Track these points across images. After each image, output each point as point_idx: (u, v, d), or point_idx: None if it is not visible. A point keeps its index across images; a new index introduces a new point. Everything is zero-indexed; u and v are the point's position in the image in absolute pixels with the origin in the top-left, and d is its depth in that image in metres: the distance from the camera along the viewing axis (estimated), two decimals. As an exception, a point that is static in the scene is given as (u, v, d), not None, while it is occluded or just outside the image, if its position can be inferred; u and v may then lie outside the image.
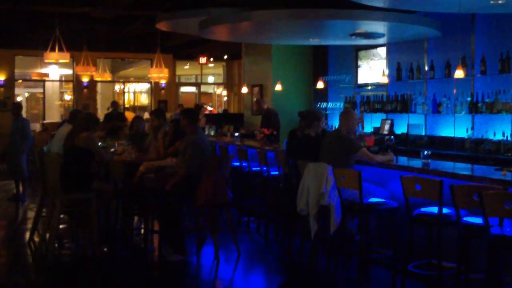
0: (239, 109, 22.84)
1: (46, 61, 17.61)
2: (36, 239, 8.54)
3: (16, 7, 15.43)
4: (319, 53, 15.36)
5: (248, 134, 13.42)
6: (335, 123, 14.15)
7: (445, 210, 5.52)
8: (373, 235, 6.90)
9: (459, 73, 9.41)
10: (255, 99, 15.53)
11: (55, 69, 23.74)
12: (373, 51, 13.58)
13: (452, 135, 11.11)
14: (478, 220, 5.16)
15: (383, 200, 6.59)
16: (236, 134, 12.11)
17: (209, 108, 24.06)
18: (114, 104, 16.84)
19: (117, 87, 26.81)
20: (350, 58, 14.35)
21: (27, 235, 8.77)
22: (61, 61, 17.08)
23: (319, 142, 7.35)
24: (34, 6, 15.22)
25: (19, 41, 19.86)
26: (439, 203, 5.46)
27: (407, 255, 5.92)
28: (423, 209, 5.81)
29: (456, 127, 11.01)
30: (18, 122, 12.23)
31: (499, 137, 9.97)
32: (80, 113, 10.09)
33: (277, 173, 8.78)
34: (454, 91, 10.94)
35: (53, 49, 16.08)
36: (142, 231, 8.64)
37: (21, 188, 12.25)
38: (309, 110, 8.06)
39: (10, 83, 21.42)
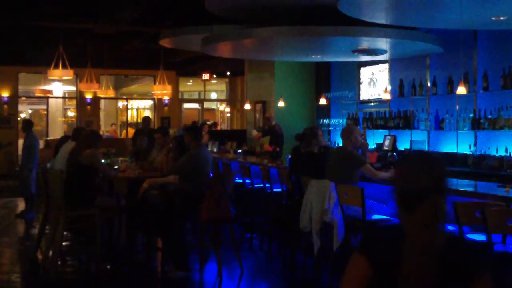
0: (242, 125, 22.86)
1: (50, 78, 17.69)
2: (39, 256, 8.55)
3: (20, 24, 15.53)
4: (322, 70, 15.40)
5: (251, 151, 13.45)
6: (338, 139, 14.16)
7: (448, 227, 5.52)
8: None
9: (461, 89, 9.43)
10: (261, 115, 15.54)
11: (58, 86, 23.81)
12: (376, 67, 13.61)
13: (454, 151, 11.12)
14: (481, 237, 5.16)
15: (386, 217, 6.59)
16: (239, 150, 12.13)
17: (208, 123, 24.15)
18: (147, 120, 15.29)
19: (120, 103, 26.86)
20: (353, 74, 14.38)
21: (31, 252, 8.77)
22: (64, 78, 17.17)
23: (322, 158, 7.36)
24: (38, 23, 15.31)
25: (23, 58, 19.93)
26: (442, 220, 5.45)
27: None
28: (426, 226, 5.80)
29: (459, 143, 11.02)
30: (27, 140, 12.27)
31: (501, 153, 9.98)
32: (84, 130, 10.13)
33: (280, 189, 8.79)
34: (457, 107, 10.96)
35: (56, 66, 16.14)
36: (145, 247, 8.64)
37: (25, 205, 12.26)
38: (304, 130, 8.06)
39: (13, 100, 21.48)
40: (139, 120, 26.97)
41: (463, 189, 6.14)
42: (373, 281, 2.41)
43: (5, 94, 21.23)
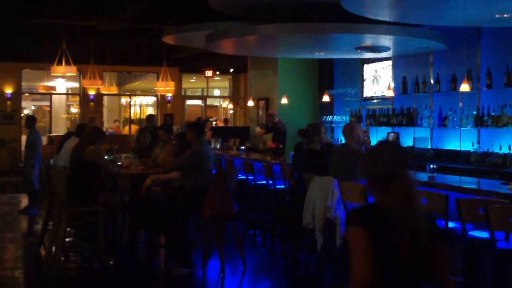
0: (245, 122, 22.87)
1: (53, 74, 17.68)
2: (42, 252, 8.56)
3: (23, 21, 15.53)
4: (325, 67, 15.39)
5: (254, 148, 13.45)
6: (341, 136, 14.15)
7: (451, 224, 5.53)
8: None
9: (464, 87, 9.42)
10: (264, 112, 15.55)
11: (61, 82, 23.82)
12: (379, 64, 13.60)
13: (458, 148, 11.11)
14: (484, 234, 5.16)
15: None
16: (242, 147, 12.12)
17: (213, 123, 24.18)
18: (151, 118, 14.19)
19: (123, 100, 26.87)
20: (356, 71, 14.38)
21: (34, 248, 8.79)
22: (68, 74, 17.15)
23: (325, 155, 7.36)
24: (41, 19, 15.30)
25: (26, 54, 19.93)
26: (445, 217, 5.46)
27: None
28: (429, 223, 5.81)
29: (462, 141, 11.01)
30: (29, 136, 12.30)
31: (505, 150, 9.97)
32: (87, 126, 10.14)
33: (283, 186, 8.80)
34: (460, 104, 10.95)
35: (60, 63, 16.14)
36: (148, 244, 8.65)
37: (28, 201, 12.29)
38: (307, 127, 8.05)
39: (17, 96, 21.50)
40: (142, 117, 26.97)
41: (466, 186, 6.15)
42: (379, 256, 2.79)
43: (9, 90, 21.26)
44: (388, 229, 2.79)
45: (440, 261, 2.93)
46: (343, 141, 7.59)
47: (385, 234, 2.79)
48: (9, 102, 21.24)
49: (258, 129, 14.55)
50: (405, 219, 2.80)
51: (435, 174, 6.79)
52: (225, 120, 23.17)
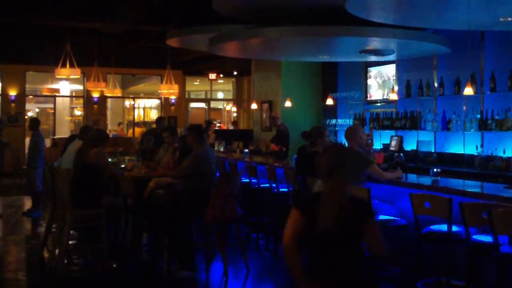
0: (248, 125, 22.86)
1: (57, 76, 17.71)
2: (45, 254, 8.57)
3: (27, 23, 15.57)
4: (329, 70, 15.38)
5: (257, 151, 13.44)
6: (344, 139, 14.14)
7: (454, 228, 5.52)
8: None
9: (468, 90, 9.40)
10: (269, 114, 15.53)
11: (65, 84, 23.86)
12: (383, 67, 13.59)
13: (461, 152, 11.09)
14: (487, 238, 5.15)
15: (392, 217, 6.58)
16: (246, 150, 12.12)
17: (218, 124, 24.16)
18: (161, 120, 13.90)
19: (127, 102, 26.89)
20: (360, 74, 14.37)
21: (37, 250, 8.79)
22: (72, 77, 17.18)
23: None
24: (45, 22, 15.34)
25: (30, 57, 19.98)
26: (448, 221, 5.46)
27: (416, 272, 5.91)
28: (432, 227, 5.80)
29: (466, 144, 11.00)
30: (32, 138, 12.34)
31: (508, 154, 9.95)
32: (91, 128, 10.15)
33: (286, 189, 8.79)
34: (464, 108, 10.94)
35: (64, 65, 16.16)
36: (151, 247, 8.65)
37: (31, 203, 12.31)
38: (311, 129, 8.04)
39: (21, 98, 21.54)
40: (146, 119, 27.00)
41: (469, 190, 6.13)
42: (304, 225, 3.77)
43: (13, 93, 21.30)
44: (316, 209, 3.73)
45: (371, 235, 3.76)
46: (346, 145, 7.58)
47: (314, 212, 3.73)
48: (13, 105, 21.29)
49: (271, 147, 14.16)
50: (330, 202, 3.73)
51: (439, 177, 6.78)
52: (234, 123, 23.14)
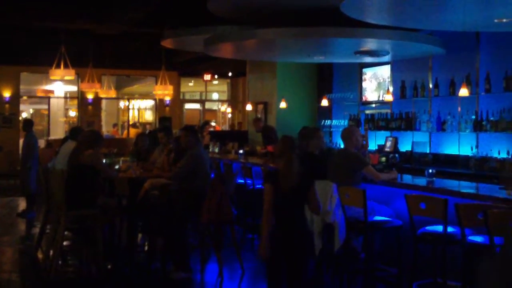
0: (243, 126, 22.85)
1: (52, 78, 17.67)
2: (40, 255, 8.54)
3: (22, 24, 15.54)
4: (324, 71, 15.39)
5: (252, 151, 13.41)
6: (339, 140, 14.15)
7: (450, 229, 5.52)
8: (378, 253, 6.89)
9: (463, 91, 9.41)
10: (262, 116, 15.55)
11: (60, 85, 23.80)
12: (378, 68, 13.60)
13: (456, 153, 11.10)
14: (483, 239, 5.15)
15: (387, 218, 6.58)
16: (241, 151, 12.10)
17: (213, 124, 24.11)
18: (167, 121, 13.60)
19: (122, 103, 26.84)
20: (355, 75, 14.37)
21: (31, 251, 8.77)
22: (66, 78, 17.15)
23: (323, 160, 7.35)
24: (40, 23, 15.32)
25: (25, 58, 19.93)
26: (443, 222, 5.45)
27: (412, 273, 5.91)
28: (428, 228, 5.80)
29: (461, 145, 11.01)
30: (26, 138, 12.34)
31: (503, 155, 9.96)
32: (81, 129, 10.15)
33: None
34: (459, 109, 10.95)
35: (58, 66, 16.13)
36: (146, 248, 8.63)
37: (26, 204, 12.29)
38: (303, 129, 8.00)
39: (15, 99, 21.49)
40: (141, 120, 26.95)
41: (465, 191, 6.13)
42: (273, 191, 5.14)
43: (7, 94, 21.24)
44: (278, 180, 5.16)
45: (311, 196, 5.24)
46: (342, 146, 7.57)
47: (277, 183, 5.15)
48: (7, 106, 21.23)
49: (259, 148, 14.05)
50: (284, 175, 5.18)
51: (434, 178, 6.78)
52: (239, 124, 23.14)
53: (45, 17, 14.76)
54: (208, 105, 27.75)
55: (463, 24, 8.51)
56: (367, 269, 6.50)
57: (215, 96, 28.67)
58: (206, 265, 7.92)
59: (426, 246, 5.87)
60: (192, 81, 26.57)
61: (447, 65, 11.54)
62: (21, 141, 16.87)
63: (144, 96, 27.29)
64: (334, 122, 14.80)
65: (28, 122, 12.77)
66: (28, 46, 18.79)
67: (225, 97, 27.46)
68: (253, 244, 9.39)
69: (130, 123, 24.96)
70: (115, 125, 24.76)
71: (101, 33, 15.72)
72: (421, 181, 6.84)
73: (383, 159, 8.95)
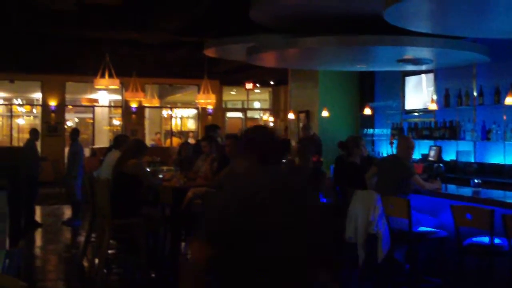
0: (285, 135, 22.83)
1: (96, 87, 17.90)
2: (85, 263, 8.65)
3: (67, 34, 15.78)
4: (366, 79, 15.31)
5: (294, 161, 13.37)
6: (381, 149, 14.06)
7: (496, 240, 5.44)
8: (422, 264, 6.82)
9: (509, 100, 9.28)
10: (304, 124, 15.52)
11: (104, 94, 24.12)
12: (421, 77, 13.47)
13: (502, 162, 10.94)
14: (531, 250, 5.07)
15: (432, 229, 6.51)
16: (283, 160, 12.06)
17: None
18: (215, 128, 11.73)
19: (165, 112, 27.10)
20: (397, 84, 14.26)
21: (77, 259, 8.88)
22: (110, 87, 17.35)
23: (365, 169, 7.32)
24: (84, 33, 15.54)
25: (70, 67, 20.23)
26: (490, 233, 5.38)
27: (457, 285, 5.84)
28: (474, 239, 5.73)
29: (507, 155, 10.84)
30: (72, 147, 12.54)
31: (551, 164, 9.79)
32: (126, 137, 10.25)
33: (324, 200, 8.74)
34: (504, 117, 10.79)
35: (103, 75, 16.33)
36: (190, 256, 8.67)
37: (71, 212, 12.46)
38: (347, 139, 8.03)
39: (60, 108, 21.86)
40: (184, 129, 27.15)
41: (511, 201, 6.04)
42: None
43: (53, 103, 21.62)
44: None
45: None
46: (384, 154, 7.54)
47: None
48: (53, 115, 21.60)
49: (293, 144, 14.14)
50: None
51: (480, 189, 6.70)
52: (286, 129, 23.16)
53: (89, 27, 14.97)
54: (250, 114, 27.84)
55: (508, 31, 8.41)
56: (411, 280, 6.44)
57: (256, 105, 28.74)
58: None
59: (471, 257, 5.80)
60: (234, 90, 26.67)
61: (491, 73, 11.38)
62: (66, 149, 17.15)
63: (186, 104, 27.49)
64: (377, 131, 14.70)
65: (75, 131, 12.99)
66: (73, 56, 19.05)
67: (267, 105, 27.51)
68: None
69: (175, 133, 25.15)
70: (157, 133, 24.97)
71: (144, 42, 15.86)
72: (467, 191, 6.76)
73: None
